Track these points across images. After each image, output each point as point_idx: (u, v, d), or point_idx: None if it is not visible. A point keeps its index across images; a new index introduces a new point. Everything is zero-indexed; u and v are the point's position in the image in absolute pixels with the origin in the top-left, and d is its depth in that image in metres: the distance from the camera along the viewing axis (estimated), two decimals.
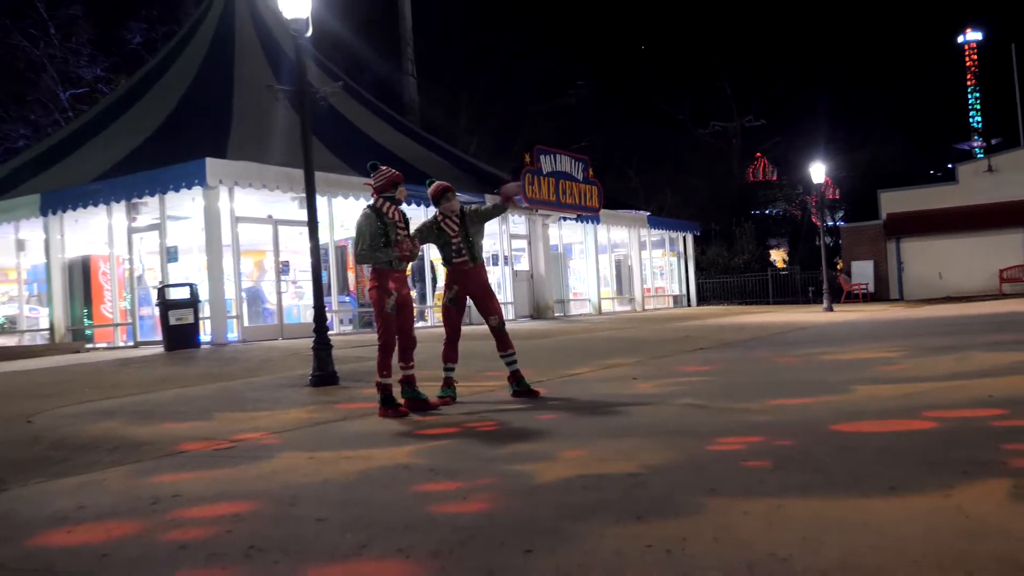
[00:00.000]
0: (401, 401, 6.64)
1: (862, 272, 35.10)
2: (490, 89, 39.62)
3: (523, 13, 43.24)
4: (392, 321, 6.64)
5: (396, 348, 6.73)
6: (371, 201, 6.78)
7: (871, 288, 34.50)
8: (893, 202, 36.11)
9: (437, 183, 7.28)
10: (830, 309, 24.53)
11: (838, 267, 37.12)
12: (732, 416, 5.58)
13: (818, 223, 28.03)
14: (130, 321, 17.34)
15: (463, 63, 39.08)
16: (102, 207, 16.55)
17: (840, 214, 48.71)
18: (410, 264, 6.86)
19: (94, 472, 4.87)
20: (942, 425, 4.74)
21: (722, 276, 38.31)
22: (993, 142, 71.15)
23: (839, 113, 49.66)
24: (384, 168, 6.86)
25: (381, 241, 6.53)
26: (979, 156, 50.48)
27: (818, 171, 26.10)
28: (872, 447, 4.27)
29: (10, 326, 19.82)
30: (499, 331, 7.19)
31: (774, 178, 51.43)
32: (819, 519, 2.96)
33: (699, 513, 3.14)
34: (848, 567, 2.44)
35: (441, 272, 22.14)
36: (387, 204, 6.67)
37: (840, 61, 56.98)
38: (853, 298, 33.65)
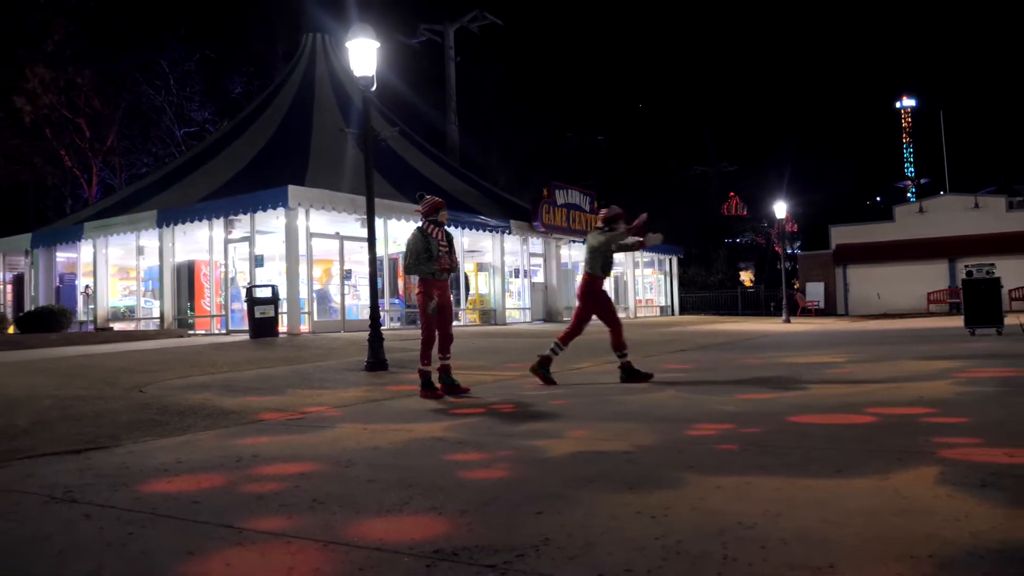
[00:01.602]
0: (438, 385, 6.60)
1: (815, 291, 34.75)
2: (514, 135, 39.68)
3: (543, 74, 43.32)
4: (433, 320, 6.60)
5: (436, 343, 6.68)
6: (420, 224, 6.74)
7: (822, 305, 34.14)
8: (841, 235, 35.76)
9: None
10: (788, 321, 24.25)
11: (795, 287, 36.77)
12: (707, 406, 5.50)
13: (779, 251, 27.77)
14: (223, 313, 17.45)
15: (494, 113, 39.18)
16: (205, 222, 16.69)
17: (798, 243, 48.36)
18: (451, 274, 6.80)
19: (190, 434, 4.87)
20: (880, 420, 4.64)
21: (700, 291, 38.05)
22: (922, 181, 70.50)
23: (799, 160, 49.25)
24: (429, 197, 6.83)
25: (425, 256, 6.50)
26: (912, 200, 49.78)
27: (780, 208, 25.86)
28: (822, 436, 4.18)
29: (129, 314, 19.99)
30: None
31: (744, 213, 51.10)
32: (778, 495, 2.89)
33: (679, 486, 3.08)
34: (803, 536, 2.37)
35: (473, 282, 22.18)
36: (431, 226, 6.64)
37: (801, 118, 56.60)
38: (807, 312, 33.28)
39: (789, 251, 43.80)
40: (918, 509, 2.63)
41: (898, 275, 33.13)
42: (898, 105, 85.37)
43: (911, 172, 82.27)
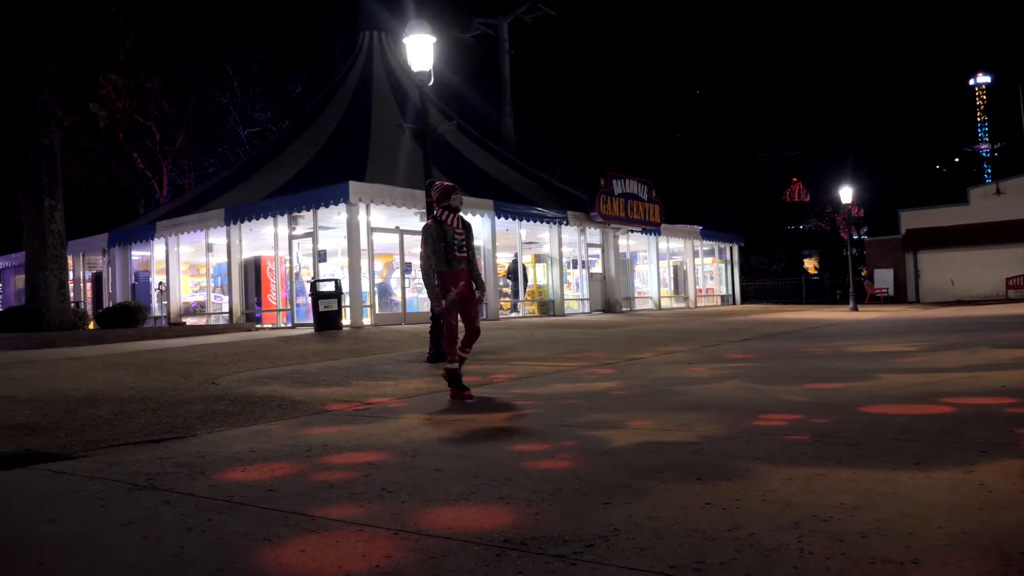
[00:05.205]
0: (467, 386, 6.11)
1: (883, 278, 33.56)
2: (570, 125, 39.41)
3: (598, 64, 42.86)
4: (453, 313, 6.14)
5: (461, 337, 6.19)
6: (435, 213, 6.26)
7: (891, 292, 32.96)
8: (911, 219, 34.41)
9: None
10: (855, 309, 23.50)
11: (862, 274, 35.58)
12: (773, 396, 5.36)
13: (845, 237, 26.89)
14: (289, 307, 17.88)
15: (549, 105, 39.00)
16: (270, 219, 17.11)
17: (864, 229, 46.75)
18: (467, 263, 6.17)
19: (262, 424, 5.00)
20: (959, 410, 4.44)
21: (762, 280, 37.21)
22: (997, 145, 67.04)
23: (864, 144, 47.65)
24: (438, 183, 6.39)
25: (441, 245, 6.06)
26: (987, 181, 47.49)
27: (846, 193, 25.04)
28: (897, 426, 4.02)
29: (200, 309, 20.69)
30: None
31: (807, 199, 49.72)
32: (854, 487, 2.80)
33: (748, 477, 3.01)
34: (882, 529, 2.29)
35: (531, 273, 22.18)
36: (445, 213, 6.18)
37: (866, 100, 54.58)
38: (875, 300, 32.19)
39: (855, 237, 42.42)
40: (1006, 503, 2.51)
41: (973, 260, 31.70)
42: (972, 82, 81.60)
43: (986, 152, 78.66)
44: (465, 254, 6.12)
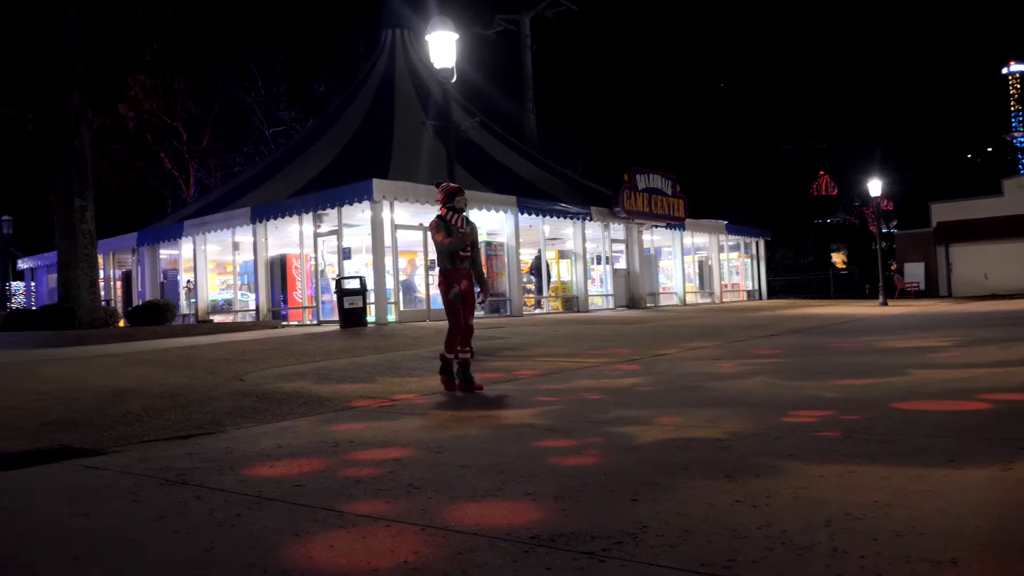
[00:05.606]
0: (456, 380, 6.31)
1: (914, 272, 33.01)
2: (593, 121, 39.24)
3: (620, 58, 42.62)
4: (458, 308, 6.30)
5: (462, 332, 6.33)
6: (441, 213, 6.45)
7: (922, 286, 32.40)
8: (943, 212, 33.78)
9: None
10: (885, 304, 23.15)
11: (892, 268, 35.02)
12: (803, 392, 5.30)
13: (874, 230, 26.49)
14: (314, 305, 18.03)
15: (571, 100, 38.86)
16: (295, 217, 17.25)
17: (894, 222, 46.01)
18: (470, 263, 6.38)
19: (289, 420, 5.05)
20: (996, 406, 4.35)
21: (789, 275, 36.81)
22: None
23: (892, 136, 46.87)
24: (444, 183, 6.55)
25: (447, 245, 6.24)
26: (1021, 172, 46.44)
27: (874, 186, 24.68)
28: (931, 423, 3.95)
29: (227, 307, 20.94)
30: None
31: (834, 192, 49.01)
32: (887, 484, 2.75)
33: (779, 475, 2.97)
34: (918, 528, 2.24)
35: (554, 269, 22.13)
36: (450, 213, 6.37)
37: (894, 92, 53.65)
38: (906, 295, 31.67)
39: (884, 230, 41.76)
40: None
41: (1008, 253, 31.04)
42: (1004, 71, 79.90)
43: (1020, 142, 77.00)
44: (469, 254, 6.33)
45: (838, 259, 47.52)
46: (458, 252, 6.26)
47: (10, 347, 14.12)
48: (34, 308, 20.83)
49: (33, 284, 28.52)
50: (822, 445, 3.50)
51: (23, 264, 28.88)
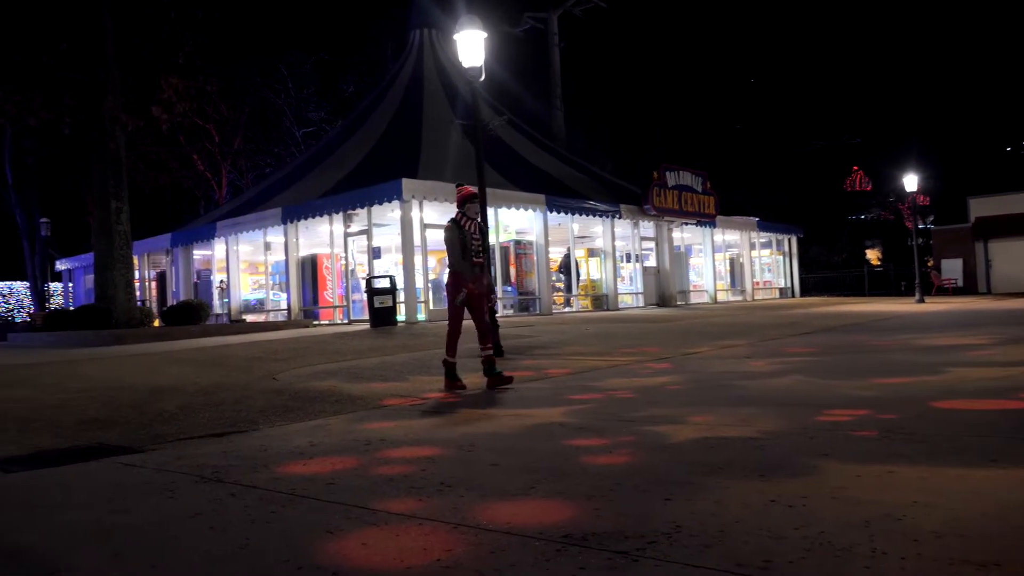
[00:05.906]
0: (462, 380, 6.43)
1: (951, 268, 32.28)
2: (621, 118, 39.03)
3: (649, 55, 42.32)
4: (460, 313, 6.45)
5: (464, 334, 6.51)
6: (455, 216, 6.53)
7: (960, 283, 31.68)
8: (982, 207, 32.96)
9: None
10: (921, 301, 22.68)
11: (929, 264, 34.30)
12: (838, 391, 5.21)
13: (911, 226, 25.95)
14: (345, 304, 18.19)
15: (599, 98, 38.68)
16: (325, 217, 17.41)
17: (930, 218, 45.09)
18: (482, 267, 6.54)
19: (321, 418, 5.10)
20: None
21: (822, 271, 36.24)
22: None
23: (928, 129, 45.82)
24: (460, 187, 6.58)
25: (460, 248, 6.36)
26: None
27: (910, 181, 24.14)
28: (970, 422, 3.86)
29: (259, 306, 21.22)
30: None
31: (869, 187, 48.13)
32: (927, 485, 2.69)
33: (815, 474, 2.93)
34: (959, 529, 2.19)
35: (584, 267, 22.07)
36: (464, 218, 6.46)
37: (930, 82, 52.46)
38: (943, 292, 30.99)
39: (921, 226, 40.94)
40: None
41: None
42: None
43: None
44: (481, 259, 6.49)
45: (872, 256, 46.69)
46: (470, 256, 6.37)
47: (49, 346, 14.47)
48: (72, 308, 21.31)
49: (71, 285, 29.19)
50: (858, 444, 3.44)
51: (61, 265, 29.56)
